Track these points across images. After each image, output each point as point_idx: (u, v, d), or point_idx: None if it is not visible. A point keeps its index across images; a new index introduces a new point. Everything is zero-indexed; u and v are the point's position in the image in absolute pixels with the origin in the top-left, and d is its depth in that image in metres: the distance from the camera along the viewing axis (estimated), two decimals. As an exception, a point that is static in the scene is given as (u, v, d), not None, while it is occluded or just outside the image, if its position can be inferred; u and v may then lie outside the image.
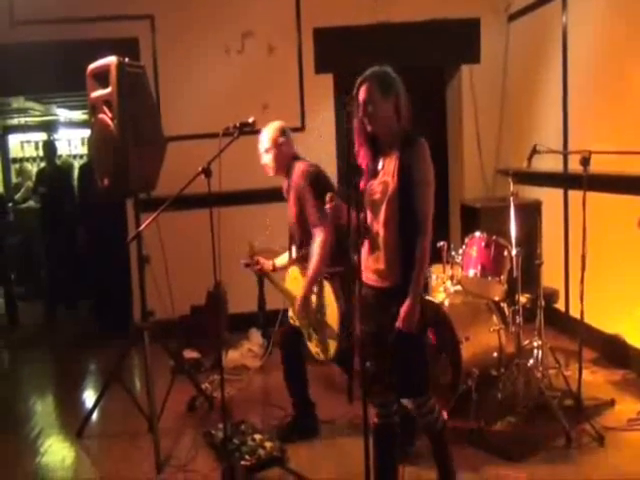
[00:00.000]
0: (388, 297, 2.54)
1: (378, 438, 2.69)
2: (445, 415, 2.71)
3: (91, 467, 3.57)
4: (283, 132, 3.54)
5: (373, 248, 2.56)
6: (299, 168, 3.47)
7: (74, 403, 4.45)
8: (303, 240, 3.49)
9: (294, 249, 3.64)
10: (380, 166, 2.56)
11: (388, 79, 2.50)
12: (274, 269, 3.80)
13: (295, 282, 3.55)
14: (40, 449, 3.69)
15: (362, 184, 2.59)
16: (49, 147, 7.16)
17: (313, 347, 3.50)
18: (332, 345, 3.36)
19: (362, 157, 2.58)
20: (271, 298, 5.24)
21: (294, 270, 3.57)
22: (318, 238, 3.33)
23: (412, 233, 2.47)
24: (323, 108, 5.56)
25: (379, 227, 2.53)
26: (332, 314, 3.33)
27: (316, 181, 3.37)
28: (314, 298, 3.44)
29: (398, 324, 2.47)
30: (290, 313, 3.60)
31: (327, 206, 2.55)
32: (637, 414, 3.46)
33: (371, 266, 2.57)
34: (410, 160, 2.45)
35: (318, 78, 5.59)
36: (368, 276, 2.58)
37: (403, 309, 2.47)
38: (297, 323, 3.57)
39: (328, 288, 3.36)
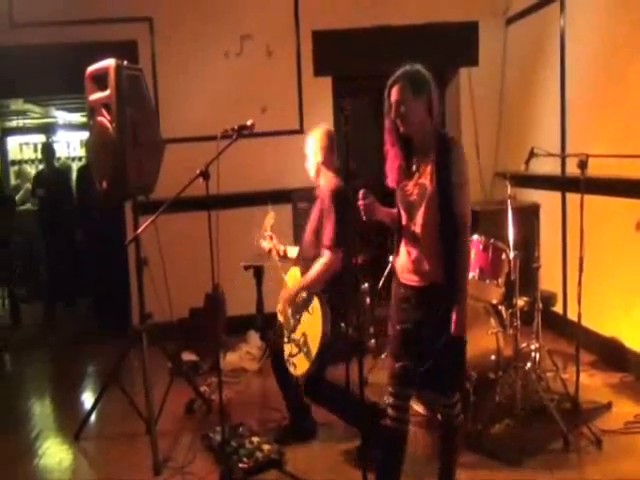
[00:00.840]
0: (430, 296, 2.52)
1: (387, 441, 2.66)
2: (462, 417, 2.72)
3: (89, 469, 3.58)
4: (328, 137, 3.45)
5: (411, 249, 2.56)
6: (329, 182, 3.37)
7: (72, 405, 4.44)
8: (315, 254, 3.36)
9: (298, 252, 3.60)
10: (415, 167, 2.54)
11: (420, 78, 2.47)
12: (284, 255, 3.70)
13: (293, 280, 3.52)
14: (38, 451, 3.69)
15: (391, 183, 2.59)
16: (47, 149, 7.16)
17: (287, 352, 3.37)
18: (304, 364, 3.23)
19: (393, 157, 2.57)
20: (269, 301, 5.25)
21: (296, 270, 3.55)
22: (323, 259, 3.24)
23: (450, 234, 2.46)
24: (322, 111, 5.56)
25: (417, 228, 2.53)
26: (314, 334, 3.18)
27: (342, 202, 3.24)
28: (300, 302, 3.34)
29: (453, 331, 2.46)
30: (279, 306, 3.54)
31: (360, 202, 2.53)
32: (635, 417, 3.45)
33: (410, 267, 2.57)
34: (447, 162, 2.45)
35: (317, 81, 5.60)
36: (407, 277, 2.59)
37: (455, 314, 2.46)
38: (280, 318, 3.51)
39: (317, 304, 3.22)
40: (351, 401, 3.04)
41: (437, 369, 2.53)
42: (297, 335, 3.31)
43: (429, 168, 2.49)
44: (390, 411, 2.63)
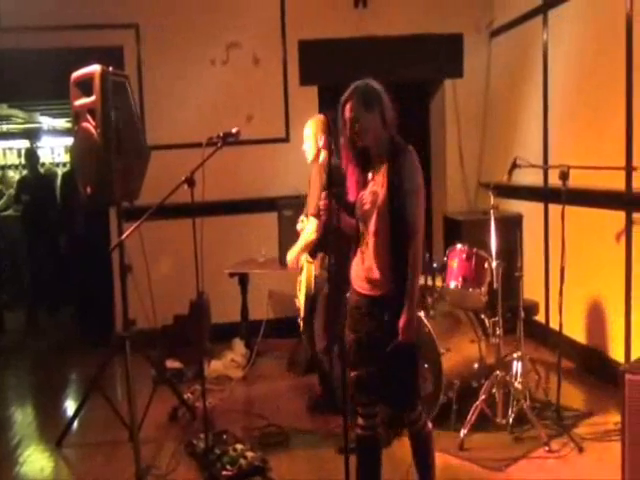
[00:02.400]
0: (380, 306, 2.53)
1: (361, 450, 2.68)
2: (430, 425, 2.69)
3: (71, 477, 3.54)
4: (326, 123, 3.66)
5: (365, 257, 2.57)
6: (323, 160, 3.68)
7: (54, 412, 4.39)
8: None
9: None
10: (370, 177, 2.58)
11: (370, 92, 2.52)
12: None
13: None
14: (19, 459, 3.65)
15: (351, 197, 2.60)
16: (31, 155, 7.11)
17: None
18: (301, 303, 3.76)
19: (350, 173, 2.60)
20: (254, 308, 5.25)
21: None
22: (310, 226, 3.55)
23: (403, 242, 2.47)
24: (307, 120, 5.58)
25: (369, 237, 2.54)
26: (308, 277, 3.68)
27: (329, 175, 3.35)
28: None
29: (400, 337, 2.45)
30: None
31: (320, 202, 2.57)
32: (615, 425, 3.45)
33: (363, 275, 2.58)
34: (399, 168, 2.47)
35: (303, 90, 5.62)
36: (360, 285, 2.60)
37: (402, 320, 2.45)
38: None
39: (309, 270, 3.67)
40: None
41: (387, 380, 2.53)
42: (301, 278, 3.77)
43: (382, 176, 2.51)
44: (360, 420, 2.66)
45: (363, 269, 2.58)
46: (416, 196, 2.49)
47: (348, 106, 2.51)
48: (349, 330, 2.64)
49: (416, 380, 2.62)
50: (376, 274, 2.53)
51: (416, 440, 2.68)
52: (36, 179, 7.00)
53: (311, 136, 3.78)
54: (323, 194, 2.57)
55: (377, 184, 2.53)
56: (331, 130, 3.48)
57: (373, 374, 2.55)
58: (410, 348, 2.51)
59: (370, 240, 2.54)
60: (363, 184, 2.58)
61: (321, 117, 3.68)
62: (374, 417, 2.67)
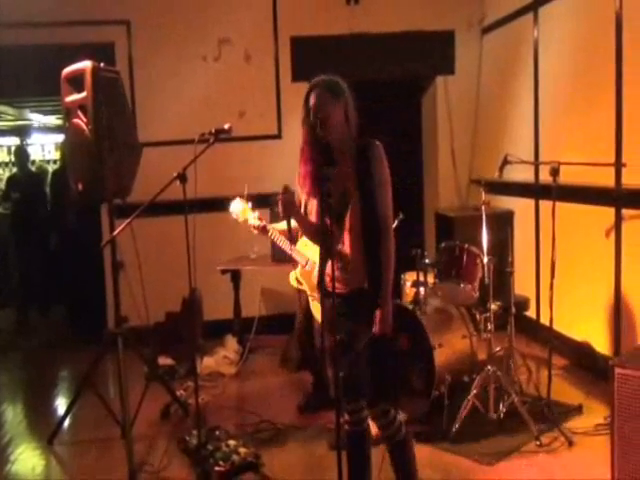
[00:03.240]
0: (355, 302, 2.52)
1: (350, 445, 2.68)
2: (405, 429, 2.66)
3: (63, 475, 3.53)
4: None
5: (339, 256, 2.53)
6: None
7: (46, 410, 4.38)
8: None
9: None
10: (332, 172, 2.46)
11: (337, 85, 2.50)
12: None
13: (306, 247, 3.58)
14: (10, 457, 3.64)
15: (307, 195, 2.57)
16: (21, 153, 7.07)
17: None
18: None
19: (307, 168, 2.54)
20: (247, 305, 5.25)
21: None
22: None
23: (374, 236, 2.46)
24: (300, 117, 5.58)
25: (345, 234, 2.50)
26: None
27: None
28: None
29: (374, 329, 2.45)
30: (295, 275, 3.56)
31: (279, 196, 2.51)
32: (604, 419, 3.49)
33: (337, 274, 2.52)
34: (367, 162, 2.45)
35: (295, 86, 5.59)
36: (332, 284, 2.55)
37: (378, 314, 2.46)
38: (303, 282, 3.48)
39: None
40: None
41: (364, 374, 2.51)
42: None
43: (348, 171, 2.47)
44: (347, 417, 2.65)
45: (336, 268, 2.51)
46: (385, 188, 2.48)
47: (314, 93, 2.48)
48: (330, 333, 2.55)
49: (393, 373, 2.63)
50: (351, 270, 2.51)
51: (392, 446, 2.65)
52: (26, 177, 6.95)
53: None
54: (283, 187, 2.51)
55: (342, 180, 2.46)
56: None
57: (355, 373, 2.53)
58: (386, 342, 2.50)
59: (345, 237, 2.50)
60: (319, 180, 2.46)
61: None
62: (360, 412, 2.66)
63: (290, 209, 2.51)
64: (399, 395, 2.69)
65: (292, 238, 3.58)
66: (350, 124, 2.50)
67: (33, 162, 8.42)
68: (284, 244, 3.54)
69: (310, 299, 3.53)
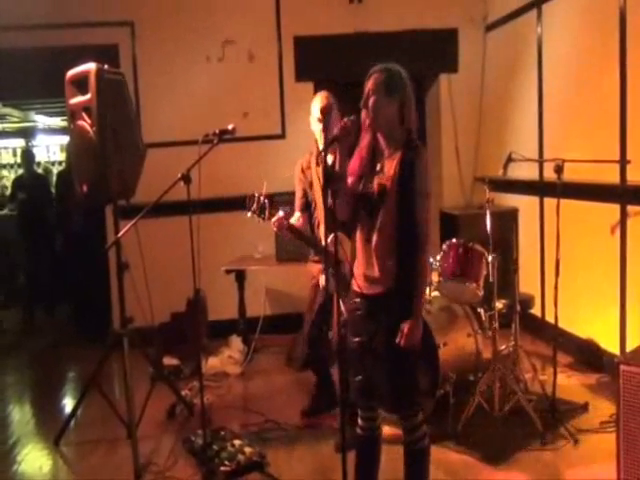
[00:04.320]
0: (379, 305, 2.45)
1: (361, 450, 2.64)
2: (428, 440, 2.58)
3: (69, 475, 3.54)
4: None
5: (365, 253, 2.47)
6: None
7: (52, 410, 4.39)
8: None
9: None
10: (378, 167, 2.46)
11: (397, 79, 2.42)
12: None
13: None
14: (17, 457, 3.64)
15: (352, 181, 2.47)
16: (27, 156, 7.09)
17: None
18: None
19: (359, 155, 2.49)
20: (252, 305, 5.25)
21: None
22: None
23: (406, 241, 2.38)
24: (303, 116, 5.58)
25: (373, 232, 2.43)
26: None
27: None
28: None
29: (400, 341, 2.36)
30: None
31: (275, 219, 2.50)
32: (610, 417, 3.47)
33: (361, 271, 2.49)
34: (411, 166, 2.36)
35: (298, 86, 5.60)
36: (358, 283, 2.51)
37: (406, 326, 2.37)
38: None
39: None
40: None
41: (387, 383, 2.44)
42: None
43: (392, 170, 2.40)
44: (360, 422, 2.62)
45: (362, 265, 2.49)
46: (425, 200, 2.40)
47: (372, 78, 2.43)
48: (351, 334, 2.55)
49: (416, 384, 2.53)
50: (376, 272, 2.44)
51: (410, 453, 2.55)
52: (32, 178, 6.98)
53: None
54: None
55: (385, 177, 2.41)
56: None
57: (375, 379, 2.48)
58: (411, 355, 2.43)
59: (374, 236, 2.43)
60: (369, 172, 2.47)
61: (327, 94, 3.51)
62: (375, 420, 2.62)
63: (286, 228, 2.47)
64: (425, 402, 2.60)
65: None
66: (405, 122, 2.43)
67: (38, 164, 8.45)
68: (312, 241, 3.47)
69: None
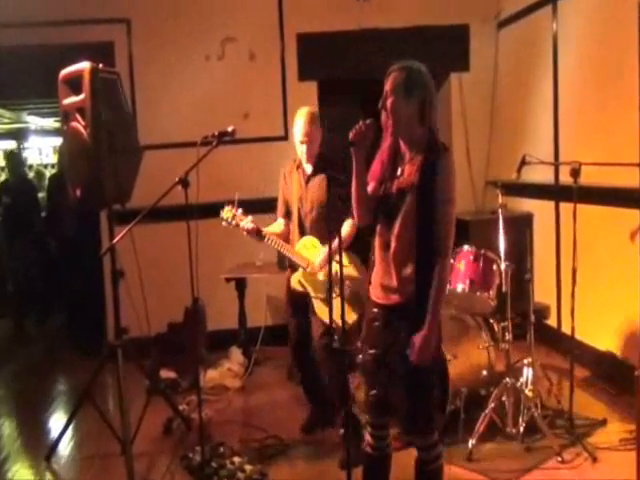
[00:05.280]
0: (397, 316, 2.38)
1: (369, 469, 2.59)
2: (442, 461, 2.51)
3: (60, 494, 3.51)
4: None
5: (383, 261, 2.41)
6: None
7: (43, 425, 4.34)
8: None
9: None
10: (399, 172, 2.38)
11: (417, 78, 2.33)
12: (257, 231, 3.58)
13: (311, 248, 3.54)
14: (7, 474, 3.58)
15: (373, 186, 2.42)
16: (12, 158, 7.08)
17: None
18: (351, 314, 3.36)
19: (379, 160, 2.43)
20: (252, 314, 5.22)
21: (310, 238, 3.56)
22: (352, 220, 3.31)
23: (426, 250, 2.30)
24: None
25: (392, 239, 2.36)
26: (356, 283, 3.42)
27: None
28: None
29: (412, 357, 2.29)
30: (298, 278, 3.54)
31: (360, 124, 2.35)
32: (630, 433, 3.40)
33: (379, 281, 2.43)
34: (434, 171, 2.28)
35: (302, 85, 5.54)
36: (375, 292, 2.46)
37: (418, 340, 2.29)
38: (307, 284, 3.52)
39: (347, 258, 3.44)
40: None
41: (404, 400, 2.37)
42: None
43: (413, 175, 2.32)
44: (369, 439, 2.55)
45: (380, 274, 2.42)
46: (449, 209, 2.31)
47: (391, 77, 2.34)
48: (367, 345, 2.48)
49: (433, 400, 2.44)
50: (394, 281, 2.37)
51: (423, 473, 2.48)
52: (18, 182, 6.93)
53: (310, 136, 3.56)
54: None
55: (405, 182, 2.33)
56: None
57: (390, 394, 2.41)
58: (427, 371, 2.36)
59: (392, 243, 2.36)
60: (389, 177, 2.39)
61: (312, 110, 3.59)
62: (385, 438, 2.55)
63: (365, 141, 2.34)
64: (438, 419, 2.55)
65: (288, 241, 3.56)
66: (425, 122, 2.34)
67: (30, 167, 8.37)
68: (283, 247, 3.64)
69: (314, 301, 3.47)
